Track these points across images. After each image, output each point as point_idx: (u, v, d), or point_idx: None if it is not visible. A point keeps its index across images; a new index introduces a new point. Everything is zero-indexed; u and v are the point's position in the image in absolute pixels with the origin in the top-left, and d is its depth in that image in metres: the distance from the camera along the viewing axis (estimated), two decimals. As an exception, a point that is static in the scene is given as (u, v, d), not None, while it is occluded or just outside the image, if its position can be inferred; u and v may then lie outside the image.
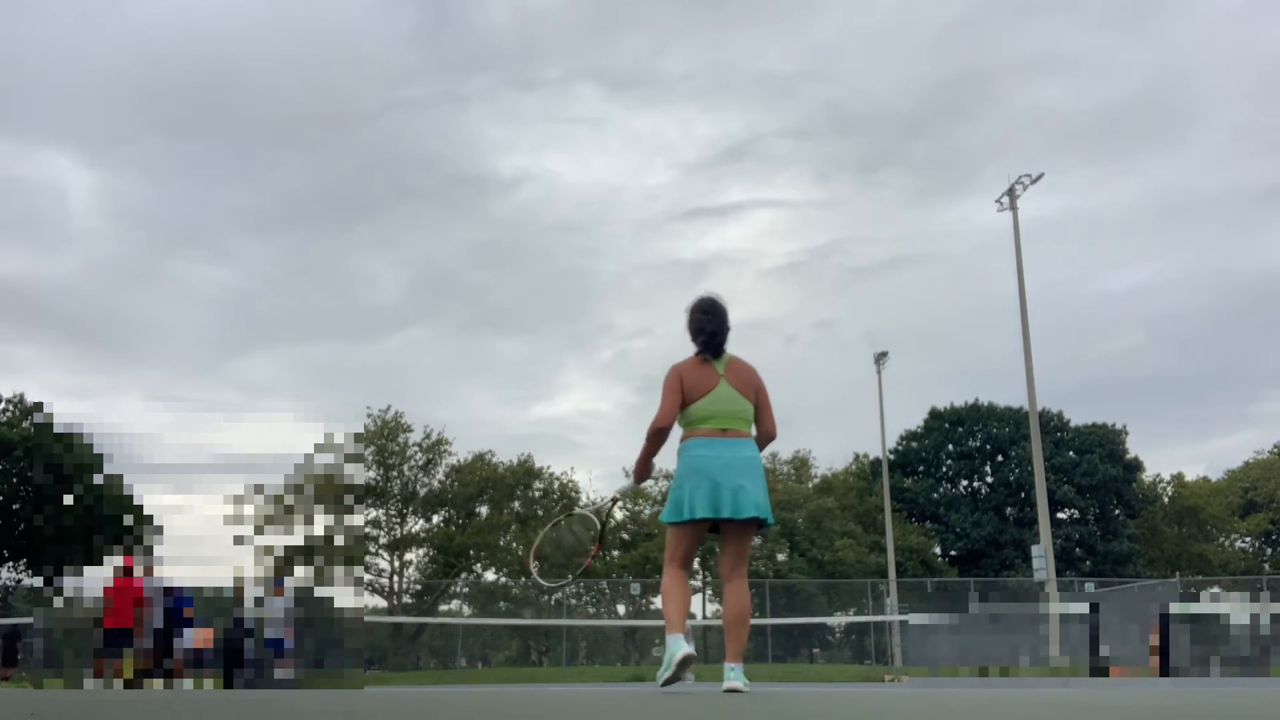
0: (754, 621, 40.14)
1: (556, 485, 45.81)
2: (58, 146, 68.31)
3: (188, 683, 11.83)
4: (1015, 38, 73.86)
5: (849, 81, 75.66)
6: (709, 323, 5.29)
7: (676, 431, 5.34)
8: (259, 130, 70.65)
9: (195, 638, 12.24)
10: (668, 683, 5.10)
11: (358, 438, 41.08)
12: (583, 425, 72.35)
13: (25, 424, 34.68)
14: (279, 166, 71.95)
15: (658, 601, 43.81)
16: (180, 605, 12.44)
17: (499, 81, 74.78)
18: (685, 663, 4.97)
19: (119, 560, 12.92)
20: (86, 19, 66.41)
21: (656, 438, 5.24)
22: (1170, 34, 72.60)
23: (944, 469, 52.70)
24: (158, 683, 11.71)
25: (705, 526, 5.21)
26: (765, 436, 5.38)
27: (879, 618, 34.31)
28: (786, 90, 75.26)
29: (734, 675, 5.00)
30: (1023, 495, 48.91)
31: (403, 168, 73.13)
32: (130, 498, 34.76)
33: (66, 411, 39.44)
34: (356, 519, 36.48)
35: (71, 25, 64.86)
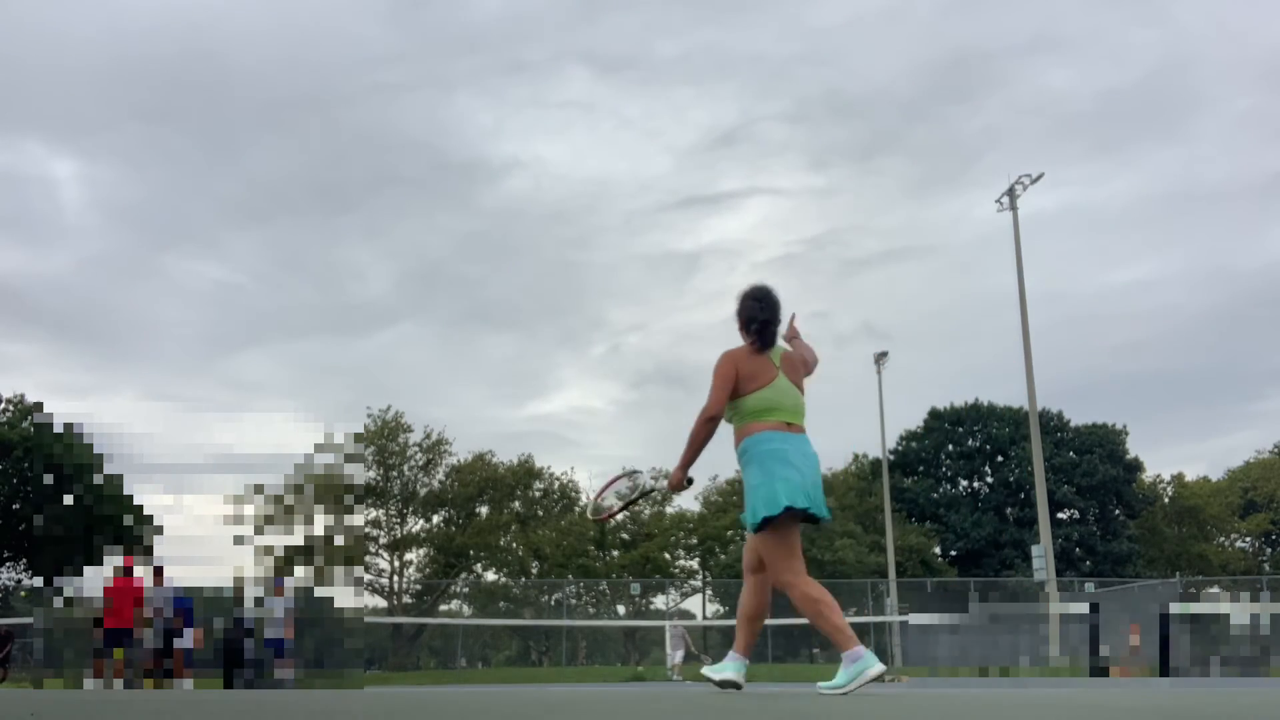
0: (754, 621, 39.95)
1: (557, 485, 45.80)
2: (36, 134, 67.11)
3: (188, 683, 11.83)
4: (1016, 17, 73.38)
5: (845, 64, 75.01)
6: (761, 311, 5.13)
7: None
8: (236, 114, 69.04)
9: (192, 637, 12.23)
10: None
11: (358, 438, 41.04)
12: (577, 422, 71.97)
13: (25, 424, 34.68)
14: (257, 152, 70.33)
15: (657, 601, 43.81)
16: (182, 606, 12.44)
17: (484, 64, 73.72)
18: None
19: (119, 560, 12.93)
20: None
21: (708, 426, 4.98)
22: (1175, 13, 71.89)
23: (944, 469, 52.69)
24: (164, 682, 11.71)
25: (800, 519, 4.87)
26: (813, 364, 5.40)
27: (879, 618, 34.32)
28: (781, 73, 74.52)
29: (869, 656, 4.71)
30: (1023, 495, 48.91)
31: (386, 154, 71.83)
32: (130, 497, 34.76)
33: (64, 411, 39.40)
34: (356, 519, 36.42)
35: (40, 5, 63.70)
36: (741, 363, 5.02)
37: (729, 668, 5.08)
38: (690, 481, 5.14)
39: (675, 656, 23.32)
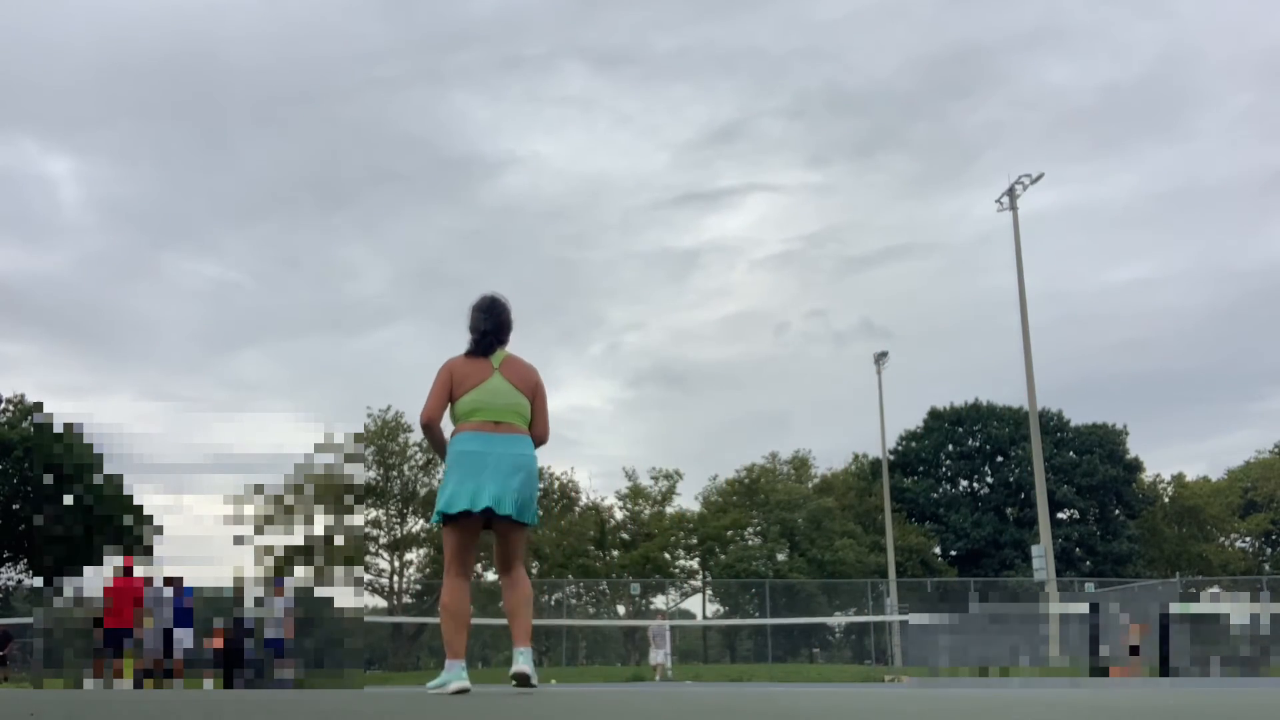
0: (755, 621, 39.41)
1: (557, 485, 45.80)
2: (29, 131, 66.78)
3: (207, 682, 11.84)
4: (1016, 11, 73.14)
5: (844, 59, 74.86)
6: (483, 321, 5.26)
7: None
8: (230, 110, 68.76)
9: (206, 640, 12.24)
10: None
11: (358, 438, 41.06)
12: (574, 421, 71.66)
13: (25, 424, 34.68)
14: (253, 149, 70.14)
15: (658, 601, 43.83)
16: (182, 601, 12.44)
17: (480, 59, 73.39)
18: (459, 695, 4.67)
19: (119, 560, 12.93)
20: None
21: (426, 433, 5.20)
22: (1177, 7, 71.51)
23: (944, 469, 52.69)
24: (163, 682, 11.71)
25: (478, 524, 5.06)
26: (538, 438, 5.29)
27: (879, 618, 34.31)
28: (780, 69, 74.37)
29: (523, 659, 4.90)
30: (1023, 495, 48.91)
31: (382, 151, 71.76)
32: (130, 498, 34.78)
33: (63, 411, 39.38)
34: (356, 519, 36.50)
35: (33, 1, 63.20)
36: (456, 368, 5.17)
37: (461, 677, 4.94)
38: None
39: (658, 655, 23.24)
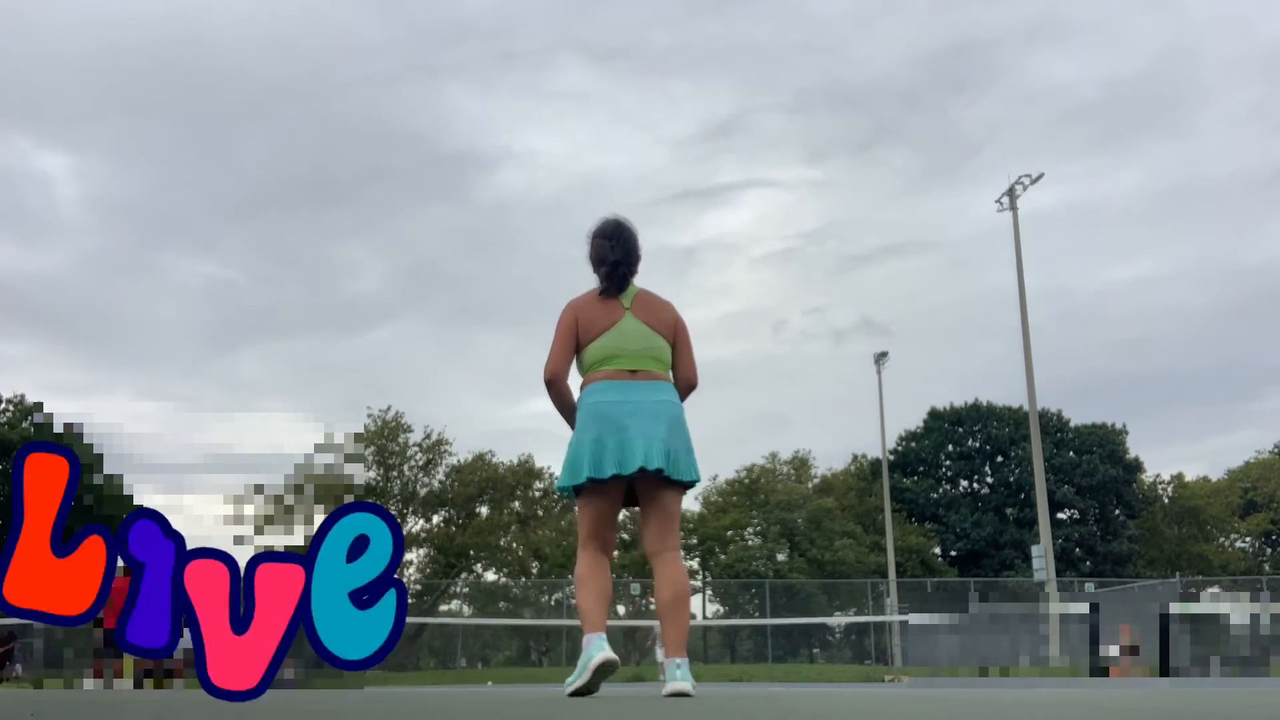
0: (755, 621, 39.35)
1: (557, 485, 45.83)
2: (20, 127, 66.07)
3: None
4: (1016, 4, 72.72)
5: (843, 53, 74.25)
6: (611, 250, 4.43)
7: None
8: (223, 106, 67.52)
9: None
10: (578, 692, 4.12)
11: (358, 438, 41.13)
12: (573, 421, 71.55)
13: (25, 424, 34.72)
14: (246, 145, 68.82)
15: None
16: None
17: (475, 53, 72.53)
18: (604, 669, 4.05)
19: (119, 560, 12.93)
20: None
21: (550, 391, 4.48)
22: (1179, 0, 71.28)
23: (944, 469, 52.71)
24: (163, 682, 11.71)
25: (618, 493, 4.29)
26: (685, 384, 4.48)
27: (879, 618, 34.33)
28: (778, 64, 73.73)
29: (680, 674, 4.12)
30: (1023, 496, 48.92)
31: (377, 147, 70.99)
32: (130, 498, 34.83)
33: (63, 411, 39.38)
34: (356, 519, 36.51)
35: None
36: (582, 310, 4.42)
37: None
38: None
39: (659, 654, 23.17)
